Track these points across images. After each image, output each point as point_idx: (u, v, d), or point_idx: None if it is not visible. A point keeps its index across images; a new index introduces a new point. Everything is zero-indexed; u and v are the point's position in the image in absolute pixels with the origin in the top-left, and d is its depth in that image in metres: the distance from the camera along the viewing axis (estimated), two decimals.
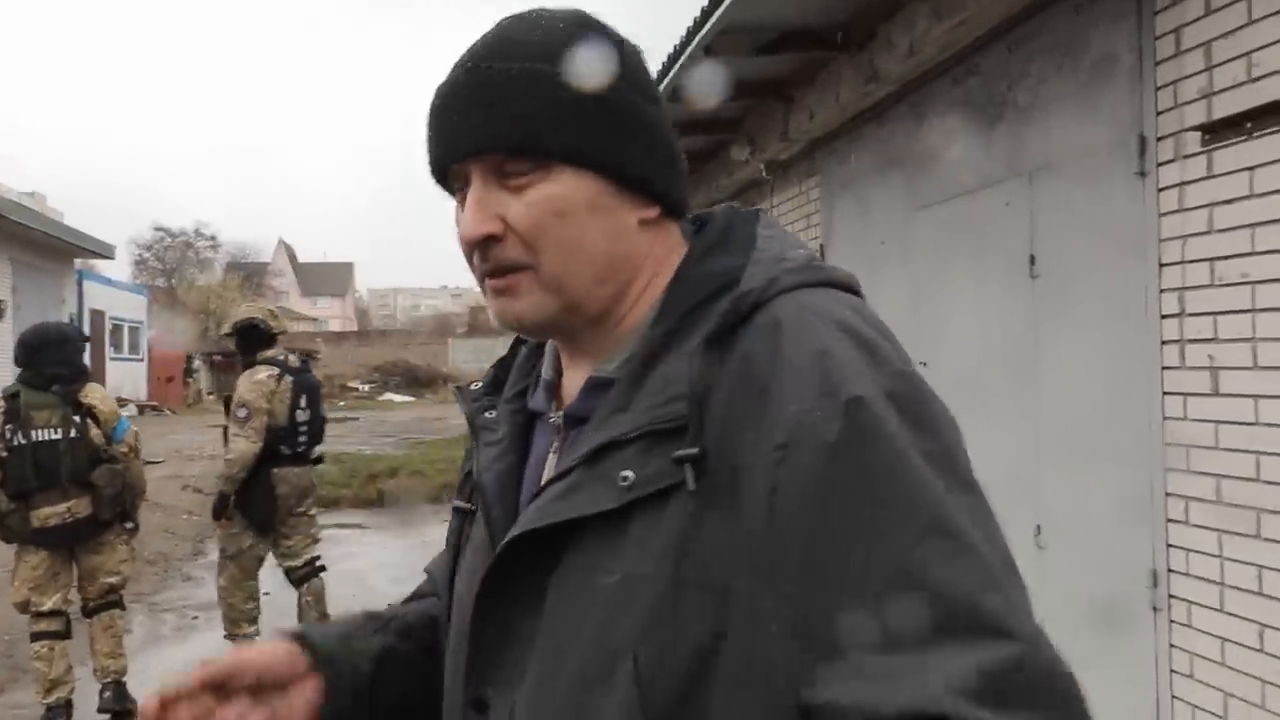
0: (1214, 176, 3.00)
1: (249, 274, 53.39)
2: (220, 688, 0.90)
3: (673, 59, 5.58)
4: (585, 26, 0.89)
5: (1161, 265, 3.22)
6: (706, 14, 4.79)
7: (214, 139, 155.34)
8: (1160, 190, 3.22)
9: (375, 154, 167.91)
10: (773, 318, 0.79)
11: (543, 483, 0.87)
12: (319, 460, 5.95)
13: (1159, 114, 3.23)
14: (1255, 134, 2.82)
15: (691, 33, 5.13)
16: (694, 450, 0.76)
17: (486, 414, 1.00)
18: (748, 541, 0.73)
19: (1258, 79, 2.83)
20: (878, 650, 0.67)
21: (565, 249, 0.85)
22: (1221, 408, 2.96)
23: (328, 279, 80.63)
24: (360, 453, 13.55)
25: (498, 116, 0.84)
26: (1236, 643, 2.93)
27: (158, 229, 53.63)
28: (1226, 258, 2.95)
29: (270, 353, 5.66)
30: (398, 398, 31.46)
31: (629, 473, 0.78)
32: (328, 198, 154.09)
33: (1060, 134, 3.77)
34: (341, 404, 28.44)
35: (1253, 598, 2.86)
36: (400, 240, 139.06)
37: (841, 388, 0.74)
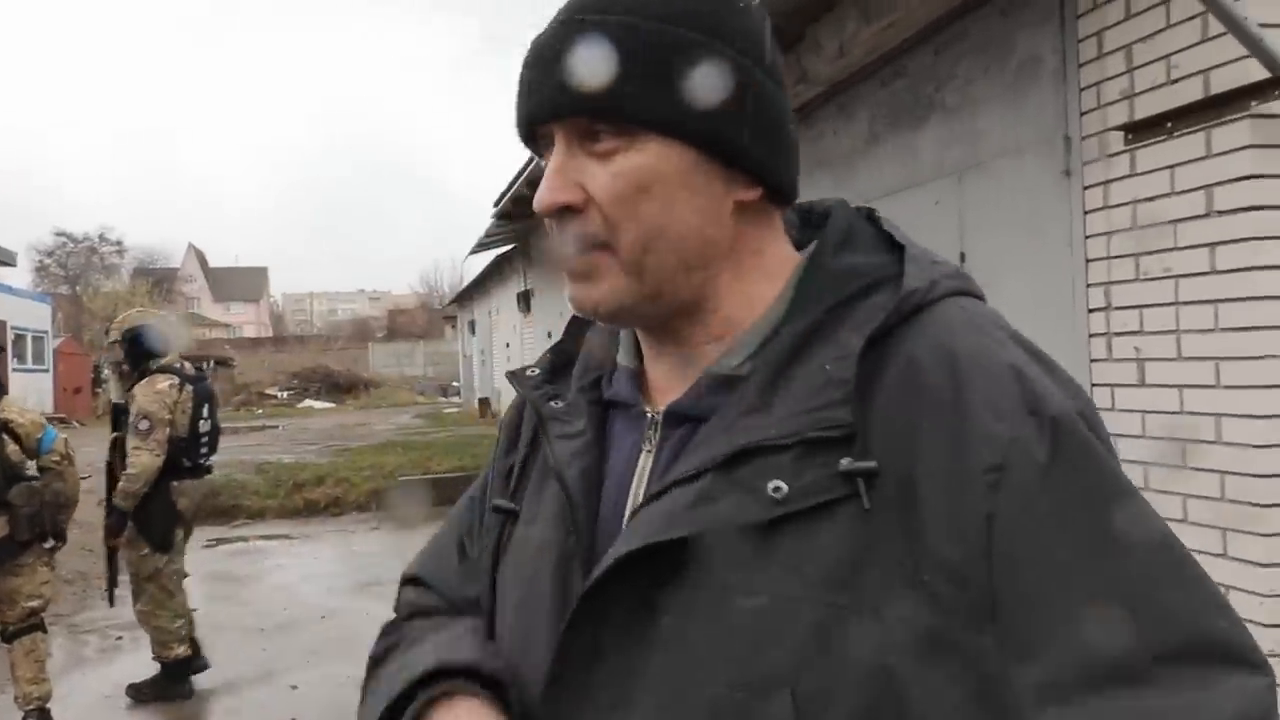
0: (1136, 175, 3.11)
1: (158, 280, 51.85)
2: None
3: None
4: None
5: (1088, 261, 3.33)
6: None
7: (118, 137, 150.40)
8: (1085, 188, 3.34)
9: (289, 156, 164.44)
10: (941, 323, 0.74)
11: (637, 490, 0.80)
12: (210, 471, 5.75)
13: (1083, 114, 3.35)
14: (1175, 134, 2.93)
15: None
16: (871, 464, 0.68)
17: (553, 403, 0.90)
18: (939, 567, 0.66)
19: (1176, 81, 2.94)
20: (1121, 684, 0.63)
21: (649, 228, 0.77)
22: (1148, 398, 3.08)
23: (241, 284, 78.69)
24: (283, 461, 13.26)
25: (584, 75, 0.76)
26: None
27: (59, 234, 51.66)
28: (1150, 253, 3.06)
29: (164, 360, 5.39)
30: (318, 404, 30.86)
31: (780, 483, 0.70)
32: (240, 201, 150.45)
33: (988, 134, 3.87)
34: (260, 411, 27.81)
35: None
36: (316, 244, 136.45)
37: (1044, 406, 0.69)
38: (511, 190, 9.66)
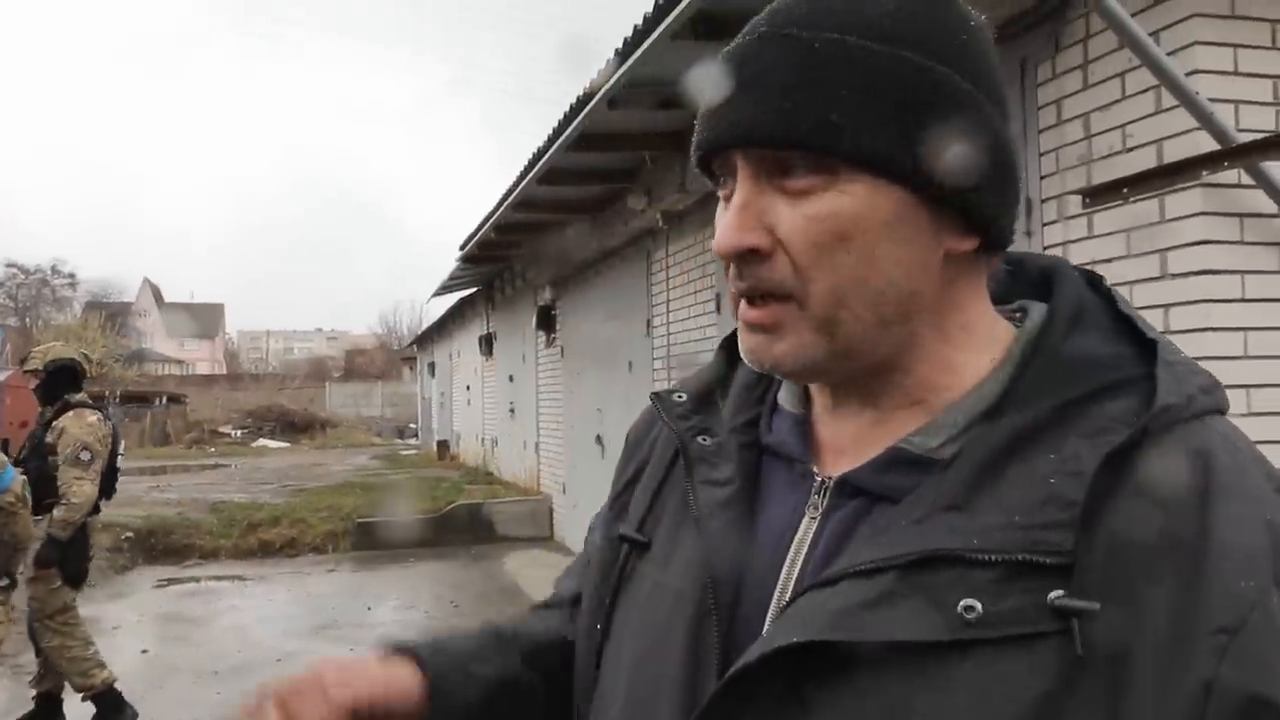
0: (1094, 237, 3.24)
1: (111, 314, 51.02)
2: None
3: (575, 110, 5.69)
4: None
5: None
6: (613, 69, 4.92)
7: (75, 168, 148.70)
8: (1045, 248, 3.46)
9: (248, 193, 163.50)
10: (1196, 450, 0.63)
11: (794, 561, 0.72)
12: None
13: (1043, 178, 3.48)
14: (1130, 199, 3.06)
15: (597, 85, 5.25)
16: (1093, 605, 0.58)
17: (701, 439, 0.80)
18: None
19: (1131, 149, 3.09)
20: None
21: (845, 280, 0.67)
22: None
23: (196, 320, 77.66)
24: (237, 501, 13.06)
25: (778, 99, 0.66)
26: None
27: (10, 265, 50.92)
28: None
29: (79, 396, 5.37)
30: (272, 443, 30.42)
31: (975, 603, 0.60)
32: (197, 237, 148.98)
33: None
34: (212, 450, 27.35)
35: None
36: (273, 282, 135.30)
37: None
38: (478, 234, 9.71)
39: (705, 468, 0.79)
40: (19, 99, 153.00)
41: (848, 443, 0.74)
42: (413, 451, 26.53)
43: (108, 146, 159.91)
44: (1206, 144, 2.80)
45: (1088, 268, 0.77)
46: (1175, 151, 2.92)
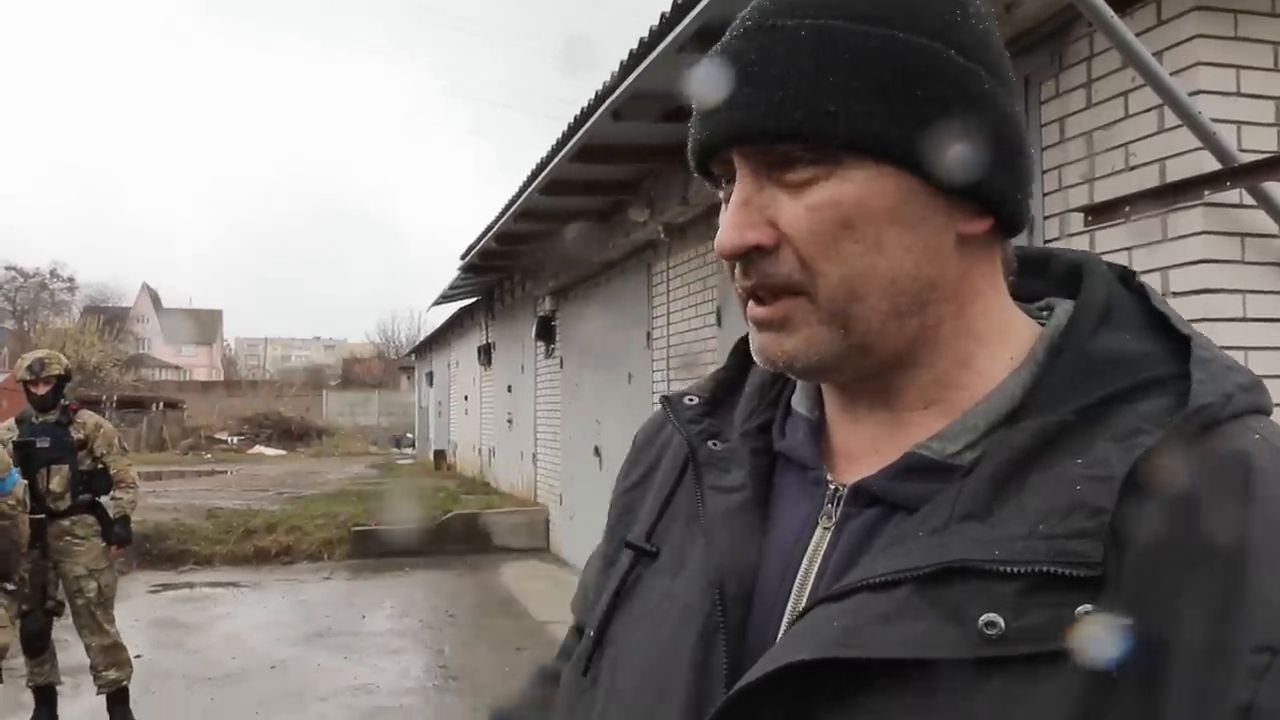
0: (1097, 254, 3.25)
1: (109, 318, 51.02)
2: None
3: (580, 121, 5.72)
4: None
5: None
6: (617, 80, 4.94)
7: (73, 173, 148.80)
8: None
9: (249, 201, 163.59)
10: (1236, 452, 0.59)
11: (808, 572, 0.69)
12: None
13: (1045, 195, 3.50)
14: (1133, 218, 3.08)
15: (601, 97, 5.28)
16: (1128, 620, 0.55)
17: (711, 443, 0.78)
18: None
19: (1134, 168, 3.10)
20: None
21: (854, 270, 0.64)
22: None
23: (194, 326, 77.61)
24: (232, 508, 13.03)
25: (769, 91, 0.63)
26: None
27: (9, 268, 50.94)
28: None
29: (71, 400, 5.60)
30: (269, 451, 30.38)
31: (997, 619, 0.57)
32: (197, 243, 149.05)
33: None
34: (208, 456, 27.31)
35: None
36: (272, 289, 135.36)
37: None
38: (480, 244, 9.73)
39: (715, 473, 0.76)
40: (22, 103, 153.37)
41: (862, 448, 0.71)
42: (409, 461, 26.49)
43: (110, 151, 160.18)
44: (1209, 164, 2.81)
45: (1120, 263, 0.74)
46: (1177, 171, 2.94)
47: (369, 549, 11.07)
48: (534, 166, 6.92)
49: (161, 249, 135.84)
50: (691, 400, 0.82)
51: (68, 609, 5.29)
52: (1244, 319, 2.88)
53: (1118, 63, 3.06)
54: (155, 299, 76.41)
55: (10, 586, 4.78)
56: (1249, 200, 2.84)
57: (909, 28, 0.64)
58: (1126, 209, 3.10)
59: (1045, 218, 3.49)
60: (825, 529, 0.70)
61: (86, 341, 36.95)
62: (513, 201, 7.82)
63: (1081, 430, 0.61)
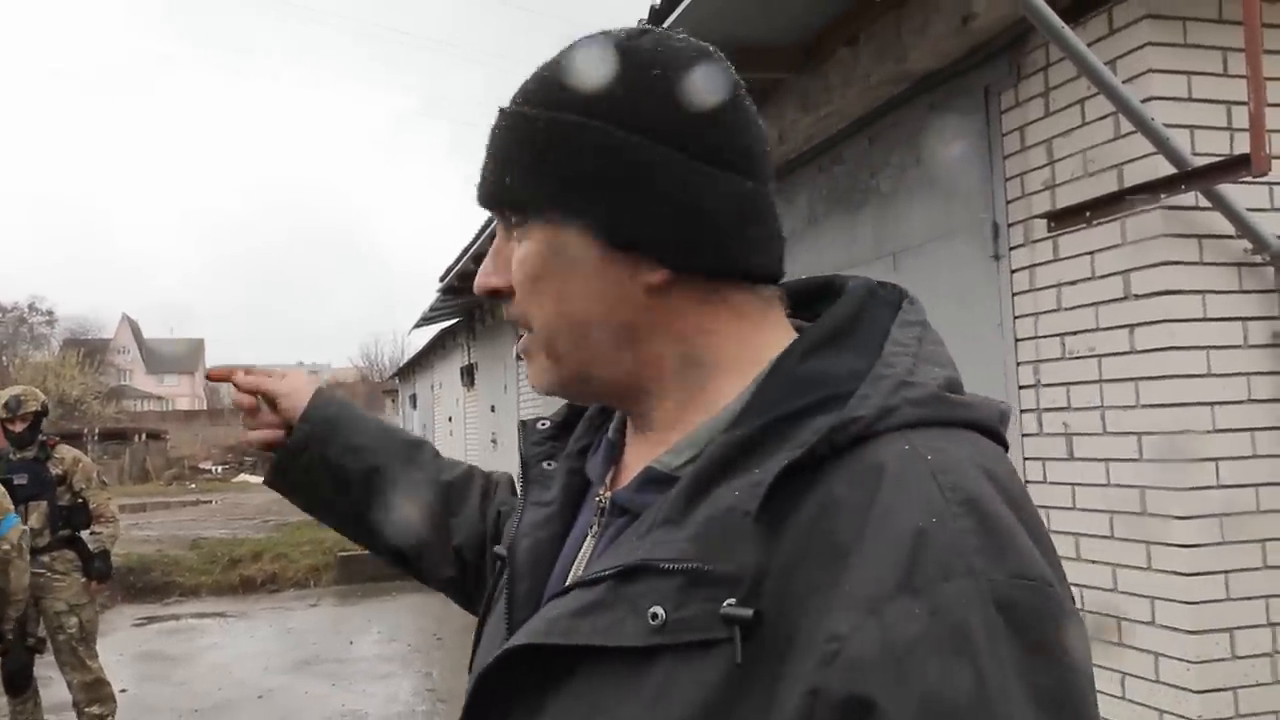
0: (1060, 260, 3.31)
1: (89, 351, 50.68)
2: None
3: None
4: (599, 54, 0.75)
5: (1017, 340, 3.50)
6: None
7: (49, 205, 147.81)
8: (1013, 271, 3.52)
9: (228, 229, 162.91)
10: (875, 462, 0.63)
11: (574, 577, 0.77)
12: None
13: (1009, 202, 3.55)
14: (1094, 222, 3.13)
15: None
16: (747, 612, 0.60)
17: (545, 464, 0.89)
18: None
19: (1094, 173, 3.15)
20: None
21: (548, 314, 0.76)
22: (1077, 471, 3.23)
23: (176, 356, 77.26)
24: (217, 538, 12.95)
25: (485, 167, 0.79)
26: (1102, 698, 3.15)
27: None
28: (1075, 333, 3.24)
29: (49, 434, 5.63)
30: (254, 479, 30.17)
31: (660, 610, 0.63)
32: (176, 272, 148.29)
33: (921, 219, 4.07)
34: (192, 485, 27.13)
35: (1110, 647, 3.09)
36: (254, 316, 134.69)
37: (933, 583, 0.57)
38: (458, 265, 9.74)
39: (538, 490, 0.87)
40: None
41: (633, 465, 0.80)
42: None
43: (89, 183, 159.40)
44: (1164, 168, 2.86)
45: (900, 288, 0.79)
46: (1135, 175, 2.99)
47: (355, 574, 11.02)
48: None
49: (141, 279, 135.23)
50: (543, 425, 0.93)
51: (49, 646, 5.25)
52: (1205, 319, 2.93)
53: (1073, 71, 3.12)
54: (136, 329, 76.00)
55: None
56: (1205, 203, 2.89)
57: (577, 110, 0.73)
58: (1088, 214, 3.14)
59: (1010, 225, 3.54)
60: (592, 538, 0.79)
61: (67, 374, 36.71)
62: (490, 222, 7.84)
63: (769, 443, 0.67)
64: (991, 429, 0.69)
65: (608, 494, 0.80)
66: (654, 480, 0.74)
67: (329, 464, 1.17)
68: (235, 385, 1.22)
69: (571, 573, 0.78)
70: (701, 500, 0.67)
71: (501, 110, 0.78)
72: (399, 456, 1.20)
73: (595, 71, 0.74)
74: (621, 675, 0.65)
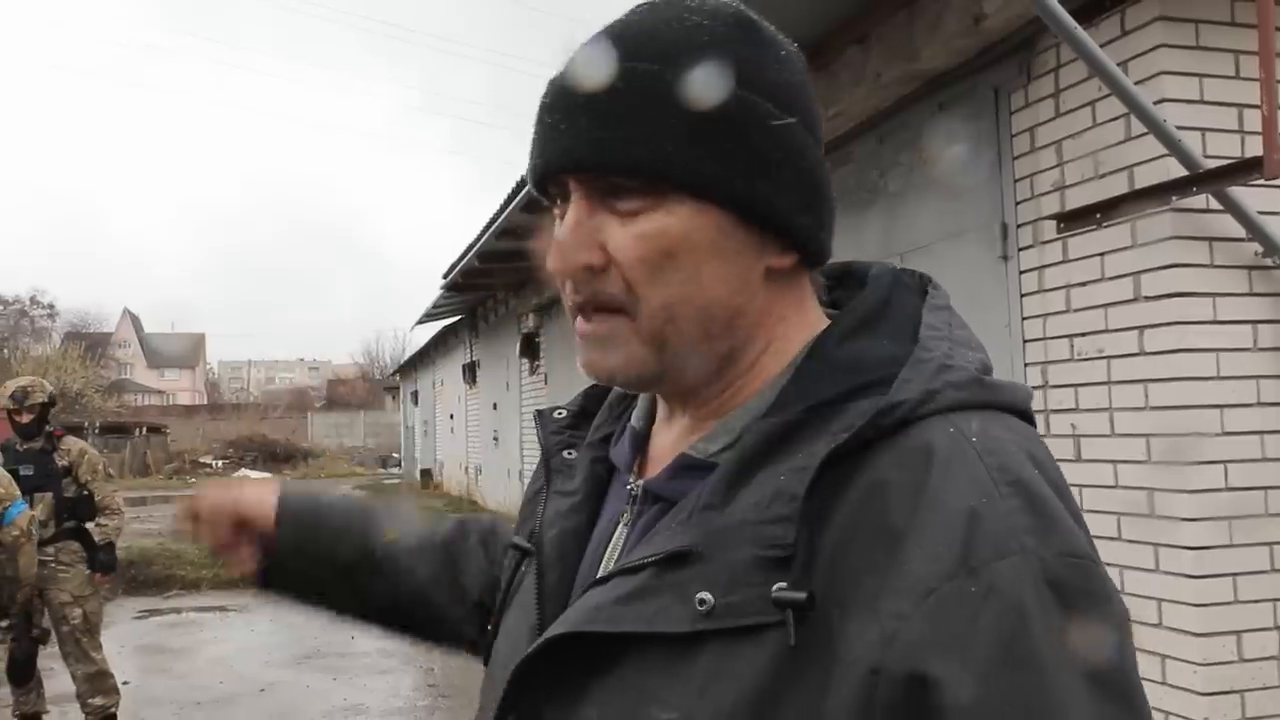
0: (1069, 261, 3.31)
1: (91, 344, 50.66)
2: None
3: None
4: (734, 23, 0.72)
5: (1025, 341, 3.51)
6: None
7: (50, 199, 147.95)
8: (1022, 273, 3.52)
9: (229, 224, 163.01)
10: (923, 444, 0.63)
11: (606, 565, 0.76)
12: None
13: (1018, 203, 3.55)
14: (1104, 224, 3.13)
15: None
16: (801, 595, 0.60)
17: (565, 453, 0.87)
18: None
19: (1104, 175, 3.16)
20: None
21: (673, 296, 0.70)
22: (1085, 473, 3.23)
23: (177, 351, 77.23)
24: None
25: (606, 127, 0.69)
26: None
27: None
28: (1084, 335, 3.24)
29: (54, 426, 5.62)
30: (254, 473, 30.15)
31: (708, 595, 0.63)
32: (178, 266, 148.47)
33: (930, 219, 4.07)
34: (193, 480, 27.12)
35: None
36: (255, 311, 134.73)
37: (987, 563, 0.58)
38: (462, 262, 9.75)
39: (561, 479, 0.86)
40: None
41: (665, 452, 0.78)
42: (396, 481, 26.39)
43: (90, 177, 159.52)
44: (1176, 170, 2.87)
45: (922, 273, 0.80)
46: (1145, 177, 2.99)
47: None
48: (515, 183, 6.95)
49: (143, 273, 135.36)
50: (560, 414, 0.92)
51: (53, 636, 5.26)
52: (1215, 321, 2.93)
53: (1084, 73, 3.12)
54: (137, 324, 75.99)
55: (4, 623, 4.75)
56: (1216, 205, 2.89)
57: (739, 83, 0.70)
58: (1098, 215, 3.15)
59: (1019, 226, 3.54)
60: (624, 527, 0.78)
61: (68, 368, 36.68)
62: (494, 219, 7.86)
63: (810, 428, 0.67)
64: (1024, 411, 0.71)
65: (639, 482, 0.79)
66: (689, 467, 0.74)
67: (320, 554, 1.12)
68: (202, 519, 1.14)
69: (604, 562, 0.78)
70: (744, 486, 0.67)
71: (629, 68, 0.70)
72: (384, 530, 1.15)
73: (744, 45, 0.72)
74: (667, 662, 0.64)
